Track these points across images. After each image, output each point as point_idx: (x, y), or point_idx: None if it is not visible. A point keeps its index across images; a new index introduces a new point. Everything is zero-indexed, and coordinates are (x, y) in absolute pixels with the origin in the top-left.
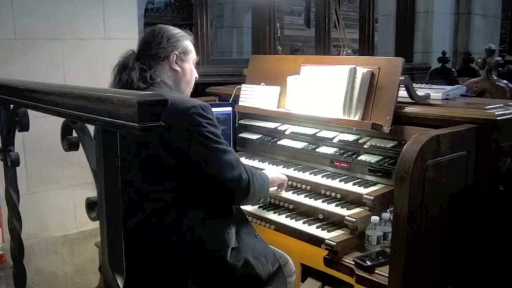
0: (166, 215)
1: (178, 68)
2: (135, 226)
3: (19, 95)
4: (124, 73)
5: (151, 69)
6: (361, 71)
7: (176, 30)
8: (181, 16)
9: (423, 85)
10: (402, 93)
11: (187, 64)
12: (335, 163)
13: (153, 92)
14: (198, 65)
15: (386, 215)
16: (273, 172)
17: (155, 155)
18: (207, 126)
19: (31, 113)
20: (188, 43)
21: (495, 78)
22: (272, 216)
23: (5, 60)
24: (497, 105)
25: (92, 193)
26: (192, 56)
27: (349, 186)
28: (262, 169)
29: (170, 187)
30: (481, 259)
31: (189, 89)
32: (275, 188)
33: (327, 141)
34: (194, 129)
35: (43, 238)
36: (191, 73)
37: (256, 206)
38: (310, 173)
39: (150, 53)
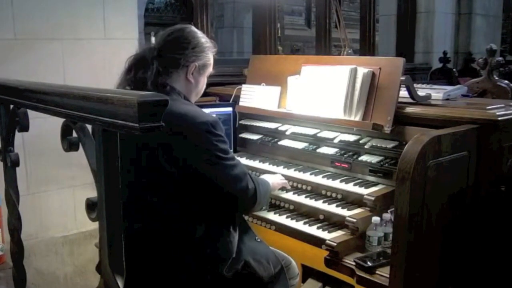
0: (168, 224)
1: (192, 80)
2: (135, 233)
3: (19, 95)
4: (140, 70)
5: (166, 74)
6: (362, 71)
7: (204, 39)
8: (181, 16)
9: (424, 85)
10: (403, 93)
11: (203, 78)
12: (336, 164)
13: (153, 92)
14: None
15: (387, 215)
16: (272, 177)
17: (158, 163)
18: (217, 144)
19: (31, 113)
20: (210, 56)
21: (496, 78)
22: (272, 216)
23: (5, 60)
24: (498, 106)
25: (92, 193)
26: (210, 70)
27: (350, 187)
28: (263, 170)
29: (172, 195)
30: (482, 260)
31: (195, 98)
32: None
33: (327, 142)
34: (204, 147)
35: (43, 238)
36: (202, 85)
37: None
38: (310, 174)
39: (172, 56)
